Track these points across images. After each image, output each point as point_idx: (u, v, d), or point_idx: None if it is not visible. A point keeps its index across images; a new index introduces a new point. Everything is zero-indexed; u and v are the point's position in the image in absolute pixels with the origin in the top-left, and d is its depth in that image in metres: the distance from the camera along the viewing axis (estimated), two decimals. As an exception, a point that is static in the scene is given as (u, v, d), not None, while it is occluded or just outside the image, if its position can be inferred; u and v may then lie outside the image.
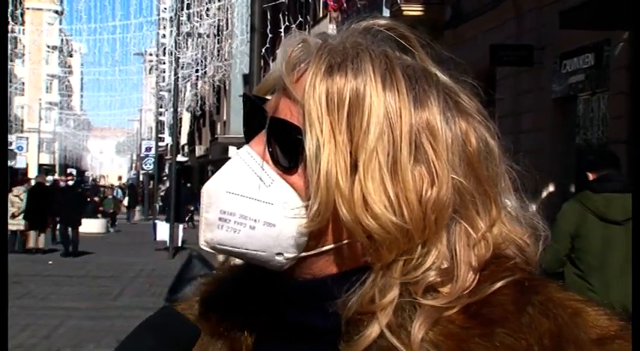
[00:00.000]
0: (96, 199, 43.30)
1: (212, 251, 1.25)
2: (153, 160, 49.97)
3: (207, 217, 1.23)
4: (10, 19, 42.86)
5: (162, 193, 49.06)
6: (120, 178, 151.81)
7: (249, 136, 1.26)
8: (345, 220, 1.16)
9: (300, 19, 33.13)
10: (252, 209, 1.20)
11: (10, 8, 42.47)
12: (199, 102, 52.47)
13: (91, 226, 37.78)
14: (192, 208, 39.34)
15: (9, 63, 57.10)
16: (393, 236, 1.15)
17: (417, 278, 1.16)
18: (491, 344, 1.12)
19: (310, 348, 1.23)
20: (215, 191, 1.23)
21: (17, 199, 26.86)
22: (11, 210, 26.80)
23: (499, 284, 1.17)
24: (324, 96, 1.17)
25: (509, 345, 1.12)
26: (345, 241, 1.20)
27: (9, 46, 51.76)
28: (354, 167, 1.16)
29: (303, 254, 1.21)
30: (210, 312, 1.34)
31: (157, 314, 1.29)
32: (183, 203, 31.94)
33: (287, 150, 1.19)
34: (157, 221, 32.16)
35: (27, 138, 60.25)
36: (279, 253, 1.20)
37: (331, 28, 31.90)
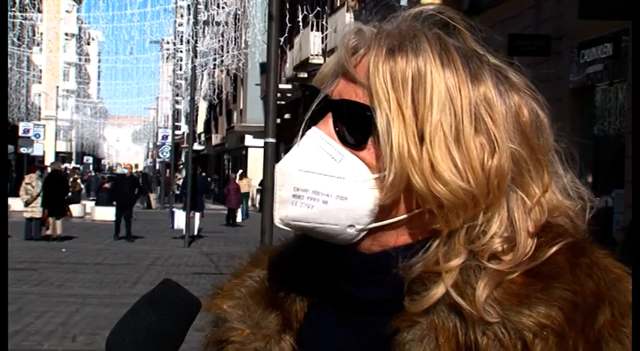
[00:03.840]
0: (107, 185, 43.38)
1: (287, 228, 1.32)
2: (169, 148, 49.97)
3: (280, 195, 1.30)
4: (28, 7, 42.95)
5: (179, 182, 49.13)
6: (136, 166, 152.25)
7: (311, 122, 1.33)
8: (418, 187, 1.24)
9: (318, 8, 33.11)
10: (324, 185, 1.27)
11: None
12: (216, 90, 52.54)
13: (107, 213, 37.87)
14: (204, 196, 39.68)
15: (27, 51, 57.27)
16: (462, 201, 1.23)
17: (483, 246, 1.24)
18: (550, 297, 1.19)
19: (363, 319, 1.31)
20: (288, 170, 1.30)
21: (29, 186, 26.91)
22: (25, 197, 26.89)
23: (555, 249, 1.25)
24: (389, 75, 1.25)
25: (565, 298, 1.19)
26: (414, 212, 1.27)
27: (26, 34, 51.89)
28: (421, 139, 1.24)
29: (374, 225, 1.28)
30: (264, 286, 1.42)
31: (158, 287, 1.31)
32: (200, 192, 31.98)
33: (356, 127, 1.28)
34: (174, 209, 32.18)
35: (44, 126, 60.09)
36: (350, 226, 1.27)
37: (348, 17, 31.83)
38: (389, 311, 1.25)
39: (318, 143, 1.29)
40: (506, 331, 1.18)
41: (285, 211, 1.29)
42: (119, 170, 32.50)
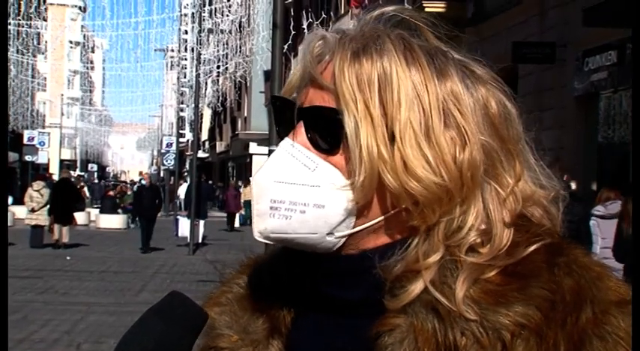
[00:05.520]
0: (111, 193, 43.38)
1: (267, 241, 1.31)
2: (174, 156, 49.95)
3: (258, 209, 1.30)
4: (33, 15, 43.06)
5: (184, 189, 49.12)
6: (141, 173, 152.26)
7: (283, 133, 1.35)
8: (391, 186, 1.24)
9: (323, 15, 33.13)
10: (300, 194, 1.27)
11: (34, 4, 42.69)
12: (220, 98, 52.54)
13: (111, 221, 37.89)
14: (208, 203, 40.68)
15: (32, 59, 57.36)
16: (436, 196, 1.24)
17: (460, 240, 1.25)
18: (527, 296, 1.20)
19: (349, 322, 1.31)
20: (263, 182, 1.29)
21: (37, 194, 26.90)
22: (30, 205, 26.88)
23: (532, 248, 1.25)
24: (355, 77, 1.25)
25: (542, 296, 1.20)
26: (390, 213, 1.27)
27: (32, 42, 51.99)
28: (391, 138, 1.24)
29: (352, 231, 1.28)
30: (250, 291, 1.43)
31: (166, 299, 1.32)
32: (204, 199, 31.98)
33: (326, 133, 1.28)
34: (179, 217, 32.16)
35: (49, 133, 60.22)
36: (329, 234, 1.28)
37: (352, 25, 31.81)
38: (373, 313, 1.25)
39: (292, 153, 1.29)
40: (484, 330, 1.19)
41: (264, 224, 1.29)
42: (123, 177, 32.41)
